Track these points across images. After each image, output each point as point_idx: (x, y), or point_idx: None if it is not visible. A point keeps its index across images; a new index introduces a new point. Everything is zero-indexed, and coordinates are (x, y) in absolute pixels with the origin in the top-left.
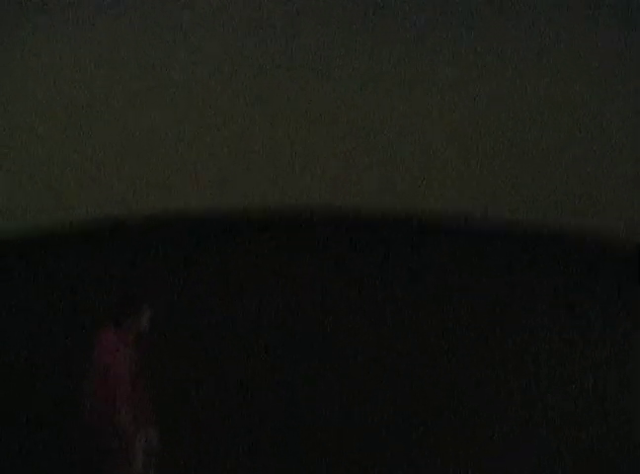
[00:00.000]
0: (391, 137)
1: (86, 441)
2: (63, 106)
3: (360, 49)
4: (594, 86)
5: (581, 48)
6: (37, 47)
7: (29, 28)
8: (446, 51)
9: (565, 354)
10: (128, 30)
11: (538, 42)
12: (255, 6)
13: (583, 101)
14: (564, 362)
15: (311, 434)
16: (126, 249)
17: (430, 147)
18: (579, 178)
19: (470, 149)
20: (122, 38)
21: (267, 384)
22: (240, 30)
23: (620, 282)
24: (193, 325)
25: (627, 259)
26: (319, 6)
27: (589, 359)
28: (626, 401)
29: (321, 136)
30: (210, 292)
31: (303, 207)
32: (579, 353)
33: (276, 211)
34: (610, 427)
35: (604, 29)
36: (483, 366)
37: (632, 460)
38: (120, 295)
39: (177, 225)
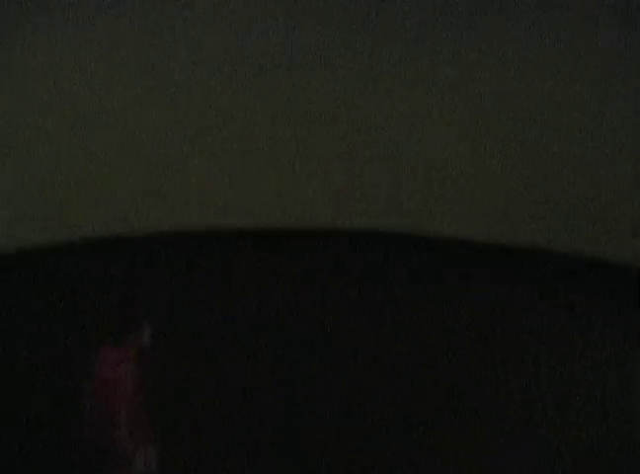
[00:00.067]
0: (393, 138)
1: (85, 458)
2: (64, 107)
3: (361, 49)
4: (594, 86)
5: (581, 49)
6: (36, 48)
7: (29, 28)
8: (447, 52)
9: (565, 354)
10: (129, 30)
11: (539, 43)
12: (256, 6)
13: (583, 101)
14: (564, 363)
15: (311, 435)
16: (127, 264)
17: (432, 147)
18: (582, 180)
19: (472, 152)
20: (123, 38)
21: (269, 397)
22: (241, 29)
23: (620, 283)
24: (194, 340)
25: (627, 265)
26: (319, 5)
27: (589, 360)
28: (626, 401)
29: (322, 138)
30: (211, 307)
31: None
32: (579, 353)
33: (275, 227)
34: (610, 427)
35: (604, 29)
36: (483, 367)
37: (632, 460)
38: (121, 312)
39: (178, 239)
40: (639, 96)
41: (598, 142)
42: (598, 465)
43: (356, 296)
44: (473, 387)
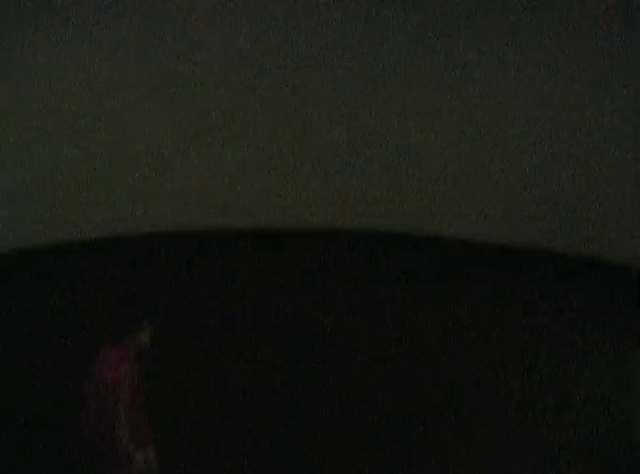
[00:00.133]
0: (393, 138)
1: (85, 458)
2: (63, 107)
3: (360, 49)
4: (593, 87)
5: (581, 48)
6: (36, 48)
7: (28, 28)
8: (447, 52)
9: (564, 354)
10: (130, 30)
11: (539, 43)
12: (256, 6)
13: (583, 102)
14: (563, 363)
15: (311, 435)
16: (127, 264)
17: (431, 147)
18: (582, 180)
19: (471, 152)
20: (123, 38)
21: (269, 397)
22: (241, 30)
23: (620, 283)
24: (194, 340)
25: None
26: (319, 4)
27: (588, 360)
28: (626, 401)
29: (323, 137)
30: (211, 307)
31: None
32: (578, 353)
33: (275, 227)
34: (610, 427)
35: (605, 29)
36: (482, 367)
37: (632, 461)
38: (121, 312)
39: (177, 239)
40: (639, 96)
41: (597, 142)
42: (598, 465)
43: (355, 296)
44: (473, 387)
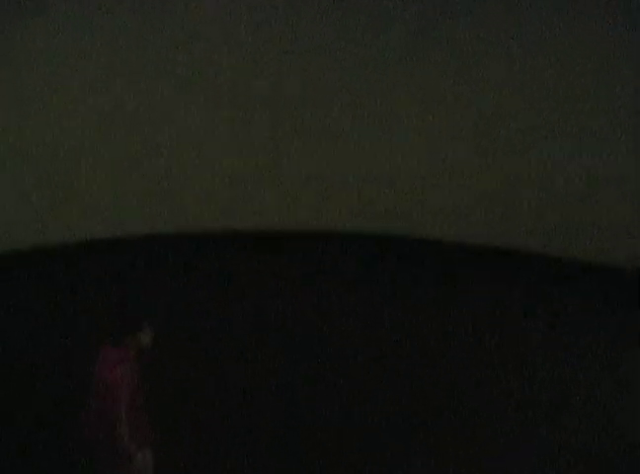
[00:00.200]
0: (392, 138)
1: (85, 458)
2: (61, 107)
3: (359, 42)
4: (591, 88)
5: (583, 45)
6: (34, 48)
7: (26, 24)
8: (448, 46)
9: (561, 357)
10: (130, 25)
11: (539, 36)
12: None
13: (580, 103)
14: (561, 365)
15: (310, 437)
16: (127, 265)
17: (430, 148)
18: (577, 182)
19: (469, 153)
20: (123, 34)
21: (269, 398)
22: (242, 23)
23: (615, 285)
24: (193, 341)
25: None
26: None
27: (585, 362)
28: (625, 403)
29: (323, 138)
30: (210, 309)
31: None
32: (575, 355)
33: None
34: (609, 428)
35: (608, 24)
36: (481, 368)
37: (632, 462)
38: (121, 312)
39: (177, 241)
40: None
41: (593, 145)
42: (597, 466)
43: (354, 299)
44: (471, 389)
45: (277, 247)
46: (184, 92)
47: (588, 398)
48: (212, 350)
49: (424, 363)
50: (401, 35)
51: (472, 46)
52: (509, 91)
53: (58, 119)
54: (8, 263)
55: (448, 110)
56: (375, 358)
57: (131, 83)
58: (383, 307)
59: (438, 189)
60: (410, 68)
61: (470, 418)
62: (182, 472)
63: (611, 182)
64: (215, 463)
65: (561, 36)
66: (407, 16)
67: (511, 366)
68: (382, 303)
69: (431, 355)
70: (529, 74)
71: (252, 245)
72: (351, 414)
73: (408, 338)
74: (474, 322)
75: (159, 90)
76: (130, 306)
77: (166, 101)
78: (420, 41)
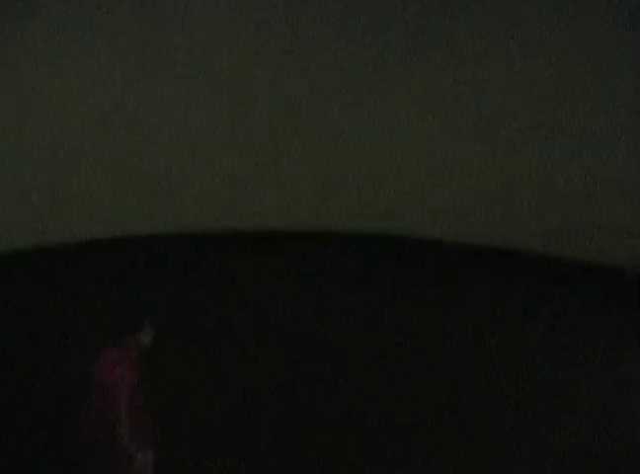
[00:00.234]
0: (392, 138)
1: (85, 458)
2: (61, 107)
3: (359, 41)
4: (589, 88)
5: (584, 45)
6: (33, 49)
7: (23, 27)
8: (448, 45)
9: (561, 357)
10: (129, 25)
11: (539, 36)
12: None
13: (579, 104)
14: (561, 366)
15: (311, 437)
16: (128, 265)
17: (430, 148)
18: (578, 182)
19: (469, 153)
20: (123, 34)
21: (269, 399)
22: (241, 23)
23: (615, 285)
24: (194, 341)
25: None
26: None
27: (585, 362)
28: (625, 404)
29: (323, 139)
30: (211, 309)
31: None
32: (575, 356)
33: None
34: (610, 429)
35: (613, 14)
36: (481, 369)
37: (632, 462)
38: (121, 313)
39: (177, 241)
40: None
41: (593, 145)
42: (597, 466)
43: (354, 299)
44: (471, 389)
45: (277, 247)
46: (184, 92)
47: (588, 398)
48: (213, 349)
49: (424, 364)
50: (401, 35)
51: (472, 46)
52: (509, 91)
53: (58, 119)
54: (8, 263)
55: (448, 110)
56: (375, 359)
57: (131, 83)
58: (383, 307)
59: (438, 189)
60: (410, 68)
61: (470, 418)
62: (182, 472)
63: (611, 182)
64: (215, 463)
65: (561, 36)
66: (407, 16)
67: (511, 366)
68: (382, 303)
69: (431, 355)
70: (529, 74)
71: (252, 245)
72: (351, 414)
73: (408, 338)
74: (474, 322)
75: (159, 90)
76: (131, 306)
77: (166, 101)
78: (420, 41)
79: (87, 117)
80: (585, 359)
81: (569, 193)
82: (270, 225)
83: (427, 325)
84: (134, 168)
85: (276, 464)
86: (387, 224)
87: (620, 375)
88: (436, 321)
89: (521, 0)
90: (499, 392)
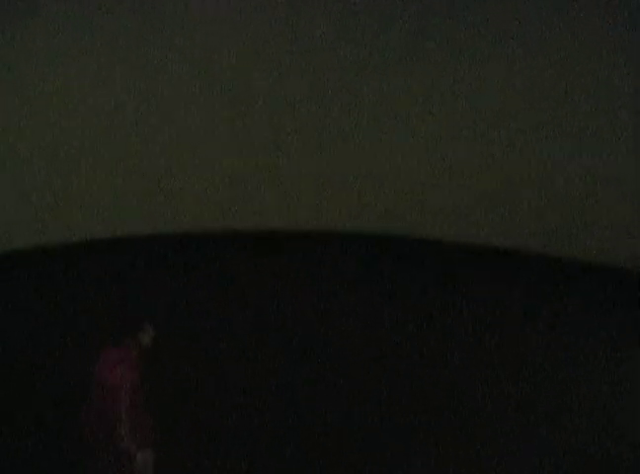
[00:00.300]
0: (391, 138)
1: (86, 458)
2: (61, 108)
3: (359, 42)
4: (588, 88)
5: (587, 35)
6: (31, 50)
7: (22, 28)
8: (448, 46)
9: (562, 357)
10: (127, 28)
11: (540, 36)
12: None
13: (578, 105)
14: (561, 366)
15: (311, 437)
16: (128, 265)
17: (430, 147)
18: (578, 182)
19: (469, 153)
20: (121, 36)
21: (269, 399)
22: (239, 25)
23: (616, 285)
24: (194, 342)
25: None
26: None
27: (586, 363)
28: (626, 404)
29: (323, 139)
30: (211, 309)
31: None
32: (575, 356)
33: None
34: (610, 429)
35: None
36: (481, 369)
37: (632, 462)
38: (121, 313)
39: (177, 241)
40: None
41: (593, 145)
42: (598, 466)
43: (354, 299)
44: (472, 389)
45: (277, 247)
46: (184, 92)
47: (588, 398)
48: (213, 350)
49: (424, 364)
50: (401, 35)
51: (472, 46)
52: (509, 91)
53: (58, 119)
54: (8, 263)
55: (448, 110)
56: (375, 359)
57: (131, 83)
58: (383, 307)
59: (438, 189)
60: (410, 68)
61: (470, 418)
62: (182, 472)
63: (611, 182)
64: (215, 463)
65: (561, 36)
66: (407, 16)
67: (511, 367)
68: (382, 303)
69: (431, 355)
70: (529, 74)
71: (252, 245)
72: (351, 415)
73: (408, 338)
74: (474, 322)
75: (159, 90)
76: (131, 306)
77: (166, 101)
78: (420, 41)
79: (87, 117)
80: (585, 360)
81: (569, 192)
82: (270, 225)
83: (427, 325)
84: (134, 168)
85: (275, 464)
86: (387, 224)
87: (620, 375)
88: (436, 321)
89: (521, 0)
90: (499, 392)
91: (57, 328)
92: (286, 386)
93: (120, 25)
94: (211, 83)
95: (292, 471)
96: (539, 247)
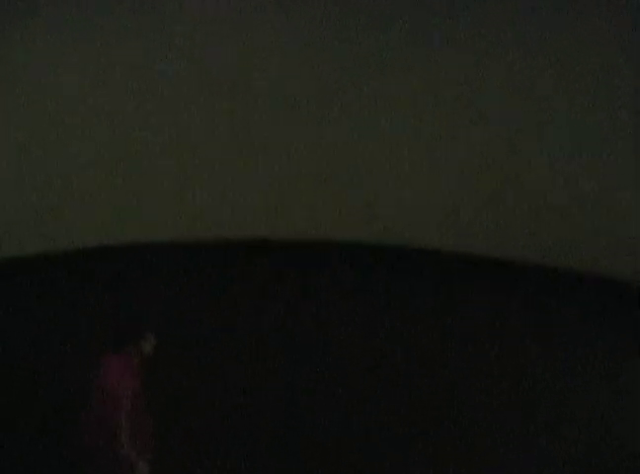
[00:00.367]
0: (389, 145)
1: (86, 465)
2: (60, 112)
3: (357, 42)
4: (587, 94)
5: (588, 36)
6: (30, 51)
7: (25, 27)
8: (447, 46)
9: (560, 367)
10: (125, 31)
11: (539, 36)
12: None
13: (578, 112)
14: (560, 375)
15: (310, 445)
16: (129, 272)
17: (430, 154)
18: (577, 191)
19: (467, 161)
20: (119, 40)
21: (269, 405)
22: (236, 29)
23: (614, 297)
24: (195, 349)
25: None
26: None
27: (584, 372)
28: (623, 414)
29: (322, 144)
30: (212, 317)
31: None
32: (574, 366)
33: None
34: (608, 438)
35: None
36: (480, 378)
37: (632, 471)
38: (123, 320)
39: (178, 249)
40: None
41: (592, 145)
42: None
43: (352, 308)
44: (470, 399)
45: (274, 256)
46: (184, 92)
47: (587, 408)
48: (213, 357)
49: (422, 374)
50: (401, 35)
51: (472, 46)
52: (509, 91)
53: (58, 119)
54: (9, 269)
55: (448, 110)
56: (373, 368)
57: (131, 83)
58: (381, 317)
59: (436, 196)
60: (410, 68)
61: (469, 428)
62: None
63: (611, 181)
64: (215, 471)
65: (561, 36)
66: (407, 16)
67: (509, 377)
68: (380, 313)
69: (429, 365)
70: (529, 74)
71: (249, 254)
72: (349, 424)
73: (406, 348)
74: (472, 332)
75: (159, 90)
76: (133, 314)
77: (166, 101)
78: (420, 41)
79: (87, 117)
80: (583, 370)
81: (569, 194)
82: (266, 233)
83: (425, 335)
84: (134, 168)
85: (275, 472)
86: (385, 233)
87: (619, 386)
88: (434, 331)
89: (521, 0)
90: (498, 402)
91: (58, 335)
92: (286, 393)
93: (119, 25)
94: (211, 83)
95: None
96: (538, 258)
